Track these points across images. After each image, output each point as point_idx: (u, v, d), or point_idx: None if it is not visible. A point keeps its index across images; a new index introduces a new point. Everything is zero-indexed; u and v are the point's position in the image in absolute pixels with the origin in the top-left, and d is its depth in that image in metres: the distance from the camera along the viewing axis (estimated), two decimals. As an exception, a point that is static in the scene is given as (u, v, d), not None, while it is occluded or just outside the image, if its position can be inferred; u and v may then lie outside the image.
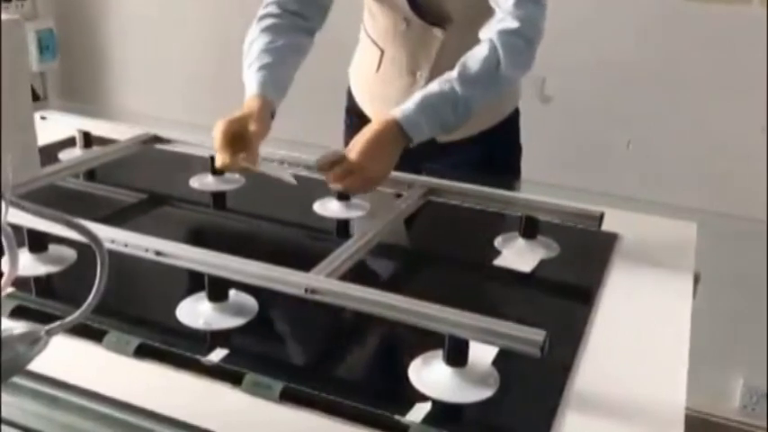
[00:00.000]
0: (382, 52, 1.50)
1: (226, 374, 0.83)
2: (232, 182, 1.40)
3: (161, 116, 2.64)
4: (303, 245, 1.25)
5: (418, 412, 0.78)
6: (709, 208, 1.97)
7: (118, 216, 1.28)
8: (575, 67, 2.18)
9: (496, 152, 1.56)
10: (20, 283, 0.99)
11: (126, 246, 0.98)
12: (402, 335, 0.94)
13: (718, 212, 1.98)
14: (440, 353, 0.84)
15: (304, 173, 1.31)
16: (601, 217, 1.19)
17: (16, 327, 0.63)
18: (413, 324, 0.84)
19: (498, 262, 1.15)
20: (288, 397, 0.80)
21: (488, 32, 1.24)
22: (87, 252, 0.63)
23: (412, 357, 0.87)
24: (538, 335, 0.77)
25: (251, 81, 1.27)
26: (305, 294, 0.89)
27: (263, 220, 1.26)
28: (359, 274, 1.00)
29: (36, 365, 0.64)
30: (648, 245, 1.22)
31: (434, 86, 1.23)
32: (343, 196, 1.32)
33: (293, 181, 1.16)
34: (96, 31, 2.91)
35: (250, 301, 0.97)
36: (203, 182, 1.42)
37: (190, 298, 0.98)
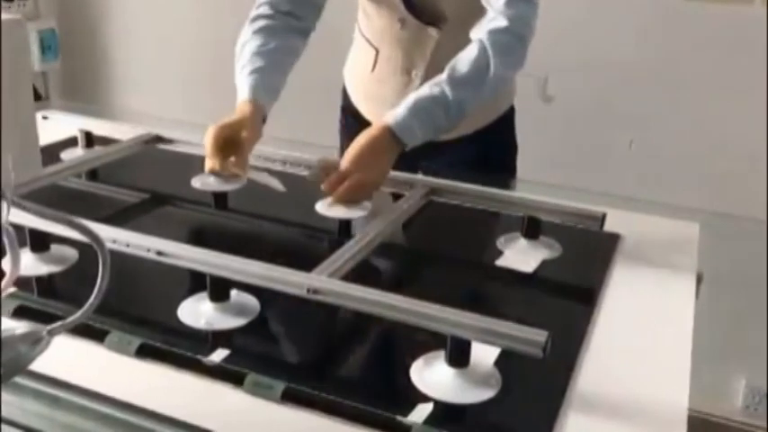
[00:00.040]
0: (377, 52, 1.50)
1: (227, 375, 0.83)
2: (234, 182, 1.40)
3: (162, 116, 2.64)
4: (305, 245, 1.25)
5: (420, 413, 0.78)
6: (711, 208, 1.97)
7: (119, 216, 1.28)
8: (576, 67, 2.18)
9: (492, 150, 1.56)
10: (21, 282, 0.99)
11: (128, 246, 0.98)
12: (404, 335, 0.94)
13: (719, 213, 1.98)
14: (442, 353, 0.84)
15: (305, 173, 1.31)
16: (603, 217, 1.19)
17: (18, 326, 0.63)
18: (415, 324, 0.84)
19: (500, 262, 1.14)
20: (289, 397, 0.80)
21: (479, 33, 1.25)
22: (89, 252, 0.63)
23: (414, 358, 0.87)
24: (540, 335, 0.77)
25: (242, 85, 1.28)
26: (307, 294, 0.89)
27: (265, 220, 1.26)
28: (361, 274, 1.00)
29: (37, 365, 0.64)
30: (651, 245, 1.22)
31: (425, 90, 1.24)
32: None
33: (281, 188, 1.17)
34: (98, 31, 2.91)
35: (252, 302, 0.97)
36: (205, 182, 1.42)
37: (191, 298, 0.97)
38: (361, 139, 1.21)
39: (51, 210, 0.59)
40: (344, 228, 1.28)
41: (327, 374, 0.88)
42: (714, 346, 1.88)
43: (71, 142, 1.58)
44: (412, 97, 1.24)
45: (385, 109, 1.44)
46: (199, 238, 1.27)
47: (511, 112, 1.60)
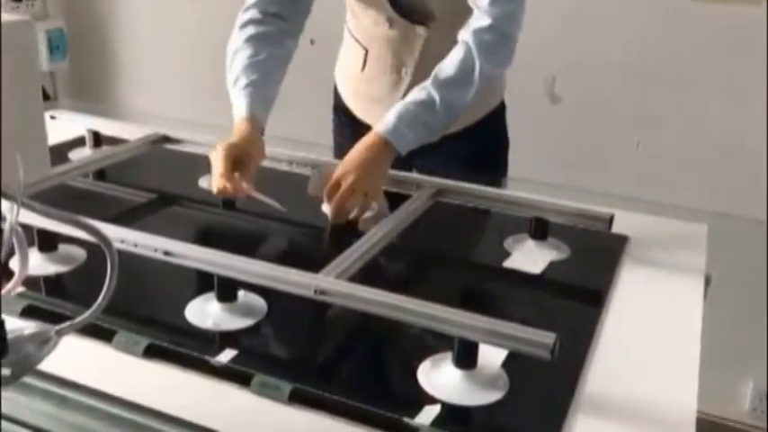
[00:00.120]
0: (366, 51, 1.51)
1: (234, 375, 0.83)
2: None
3: (169, 116, 2.65)
4: (312, 245, 1.25)
5: (427, 414, 0.78)
6: (719, 209, 1.97)
7: (127, 216, 1.28)
8: (579, 68, 2.18)
9: (484, 146, 1.57)
10: (30, 282, 0.99)
11: (135, 246, 0.99)
12: (411, 336, 0.94)
13: (727, 214, 1.97)
14: (449, 355, 0.84)
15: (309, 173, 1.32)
16: (611, 219, 1.18)
17: (26, 327, 0.63)
18: (422, 326, 0.84)
19: (508, 263, 1.14)
20: (297, 398, 0.80)
21: (464, 33, 1.27)
22: (97, 252, 0.63)
23: (421, 359, 0.86)
24: (548, 338, 0.77)
25: (239, 100, 1.28)
26: (314, 295, 0.89)
27: (272, 221, 1.26)
28: (368, 275, 1.00)
29: (45, 365, 0.64)
30: (659, 247, 1.22)
31: (413, 95, 1.26)
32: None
33: (282, 208, 1.19)
34: (106, 31, 2.92)
35: (259, 302, 0.97)
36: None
37: (199, 298, 0.98)
38: (355, 151, 1.23)
39: (61, 211, 0.59)
40: (351, 229, 1.27)
41: (334, 375, 0.88)
42: (722, 349, 1.87)
43: (79, 142, 1.58)
44: (401, 104, 1.26)
45: (376, 108, 1.45)
46: (206, 238, 1.27)
47: (501, 108, 1.60)
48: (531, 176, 1.59)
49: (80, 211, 0.64)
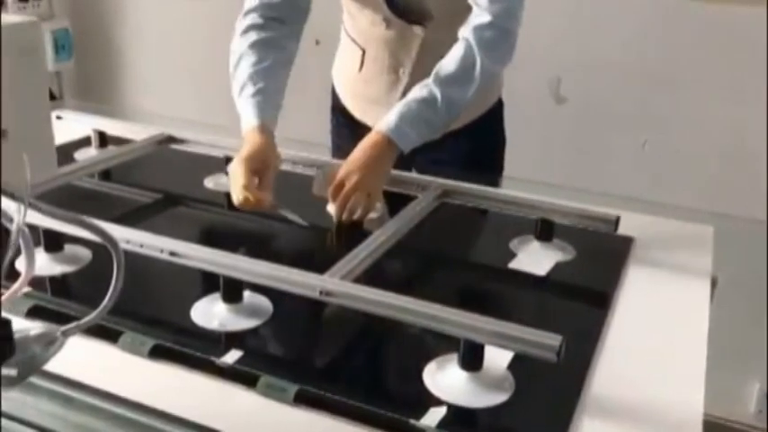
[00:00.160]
0: (364, 52, 1.51)
1: (240, 376, 0.83)
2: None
3: (175, 116, 2.65)
4: (317, 246, 1.25)
5: (433, 416, 0.77)
6: (723, 210, 1.96)
7: (133, 216, 1.28)
8: (582, 69, 2.18)
9: (482, 144, 1.57)
10: (35, 282, 1.00)
11: (141, 246, 0.99)
12: (417, 338, 0.94)
13: (731, 215, 1.96)
14: (455, 356, 0.84)
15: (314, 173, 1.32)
16: (617, 220, 1.18)
17: (33, 327, 0.63)
18: (427, 328, 0.84)
19: (513, 265, 1.14)
20: (302, 399, 0.80)
21: (464, 31, 1.27)
22: (102, 252, 0.63)
23: (427, 361, 0.86)
24: (554, 340, 0.77)
25: (247, 109, 1.27)
26: (319, 296, 0.89)
27: (278, 221, 1.26)
28: (373, 276, 0.99)
29: (51, 365, 0.64)
30: (664, 248, 1.21)
31: (414, 93, 1.26)
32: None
33: (303, 222, 1.21)
34: (111, 31, 2.93)
35: (264, 303, 0.97)
36: (218, 182, 1.42)
37: (204, 299, 0.98)
38: (358, 151, 1.23)
39: (68, 212, 0.59)
40: (357, 229, 1.27)
41: (340, 377, 0.87)
42: (728, 351, 1.87)
43: (84, 142, 1.59)
44: (402, 102, 1.26)
45: (374, 108, 1.45)
46: (212, 238, 1.27)
47: (499, 106, 1.60)
48: (535, 177, 1.59)
49: (86, 211, 0.64)
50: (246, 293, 0.97)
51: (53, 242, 1.07)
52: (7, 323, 0.58)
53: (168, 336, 0.89)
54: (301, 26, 1.41)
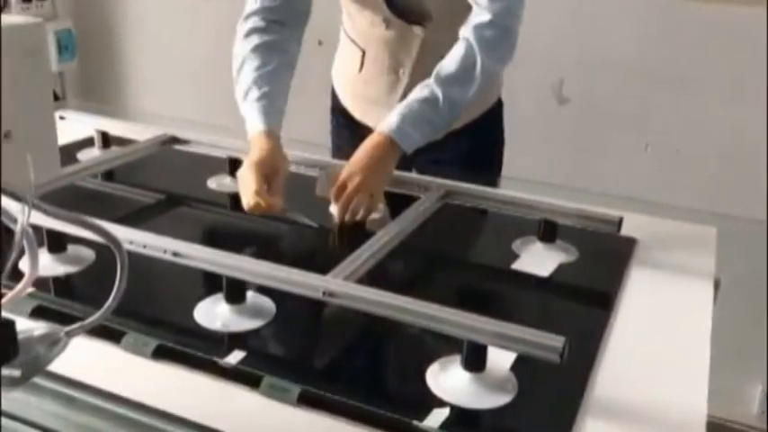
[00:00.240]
0: (363, 53, 1.51)
1: (243, 377, 0.83)
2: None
3: (177, 116, 2.65)
4: (320, 247, 1.25)
5: (436, 417, 0.77)
6: (725, 211, 1.96)
7: (136, 216, 1.28)
8: (588, 69, 2.18)
9: (482, 144, 1.57)
10: (39, 283, 1.00)
11: (144, 247, 0.99)
12: (419, 339, 0.94)
13: (734, 216, 1.96)
14: (457, 357, 0.84)
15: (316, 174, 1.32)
16: (620, 221, 1.18)
17: (36, 328, 0.63)
18: (430, 329, 0.84)
19: (516, 266, 1.14)
20: (305, 400, 0.80)
21: (465, 30, 1.27)
22: (106, 252, 0.63)
23: (429, 362, 0.86)
24: (557, 341, 0.77)
25: (253, 113, 1.27)
26: (322, 297, 0.89)
27: (281, 222, 1.26)
28: (376, 276, 0.99)
29: (54, 365, 0.64)
30: (667, 249, 1.21)
31: (416, 93, 1.26)
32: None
33: (313, 224, 1.21)
34: (114, 32, 2.93)
35: (267, 304, 0.97)
36: (221, 183, 1.43)
37: (207, 299, 0.98)
38: (361, 152, 1.23)
39: (71, 212, 0.59)
40: (359, 230, 1.27)
41: (343, 378, 0.87)
42: (730, 352, 1.87)
43: (87, 142, 1.59)
44: (404, 103, 1.26)
45: (374, 109, 1.45)
46: (215, 239, 1.27)
47: (499, 106, 1.60)
48: (537, 178, 1.59)
49: (89, 211, 0.65)
50: (249, 294, 0.97)
51: (56, 242, 1.07)
52: (11, 324, 0.58)
53: (171, 336, 0.89)
54: (302, 29, 1.41)
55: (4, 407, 0.77)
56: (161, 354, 0.87)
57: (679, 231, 1.29)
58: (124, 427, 0.78)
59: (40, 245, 1.04)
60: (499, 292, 1.13)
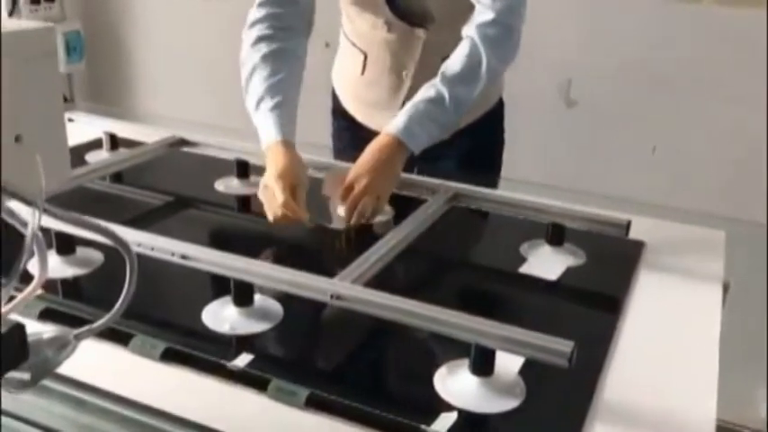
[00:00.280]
0: (365, 56, 1.50)
1: (251, 379, 0.83)
2: (258, 185, 1.40)
3: (185, 118, 2.65)
4: (327, 249, 1.25)
5: (444, 422, 0.77)
6: (735, 215, 1.95)
7: (144, 219, 1.29)
8: (595, 71, 2.17)
9: (483, 144, 1.57)
10: (47, 285, 1.00)
11: (152, 249, 0.99)
12: (427, 343, 0.94)
13: (742, 219, 1.95)
14: (465, 361, 0.84)
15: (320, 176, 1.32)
16: (628, 225, 1.17)
17: (45, 331, 0.63)
18: (438, 332, 0.84)
19: (524, 269, 1.14)
20: (313, 403, 0.80)
21: (468, 29, 1.27)
22: (114, 254, 0.63)
23: (437, 366, 0.86)
24: (566, 346, 0.76)
25: (267, 123, 1.26)
26: (330, 300, 0.89)
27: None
28: (384, 280, 0.99)
29: (63, 368, 0.64)
30: (676, 253, 1.21)
31: (422, 93, 1.26)
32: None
33: (340, 226, 1.21)
34: (122, 34, 2.94)
35: (275, 307, 0.97)
36: (229, 185, 1.43)
37: (215, 302, 0.98)
38: (368, 153, 1.23)
39: (81, 216, 0.59)
40: (366, 232, 1.27)
41: (350, 381, 0.87)
42: (738, 356, 1.86)
43: (96, 144, 1.59)
44: (410, 103, 1.26)
45: (377, 111, 1.44)
46: (222, 241, 1.28)
47: (500, 106, 1.60)
48: (544, 180, 1.59)
49: (97, 213, 0.65)
50: (257, 297, 0.97)
51: (65, 245, 1.07)
52: (21, 328, 0.58)
53: (179, 339, 0.89)
54: (308, 35, 1.40)
55: (13, 409, 0.77)
56: (169, 356, 0.87)
57: (687, 235, 1.29)
58: (132, 430, 0.78)
59: (49, 247, 1.04)
60: (507, 296, 1.13)
